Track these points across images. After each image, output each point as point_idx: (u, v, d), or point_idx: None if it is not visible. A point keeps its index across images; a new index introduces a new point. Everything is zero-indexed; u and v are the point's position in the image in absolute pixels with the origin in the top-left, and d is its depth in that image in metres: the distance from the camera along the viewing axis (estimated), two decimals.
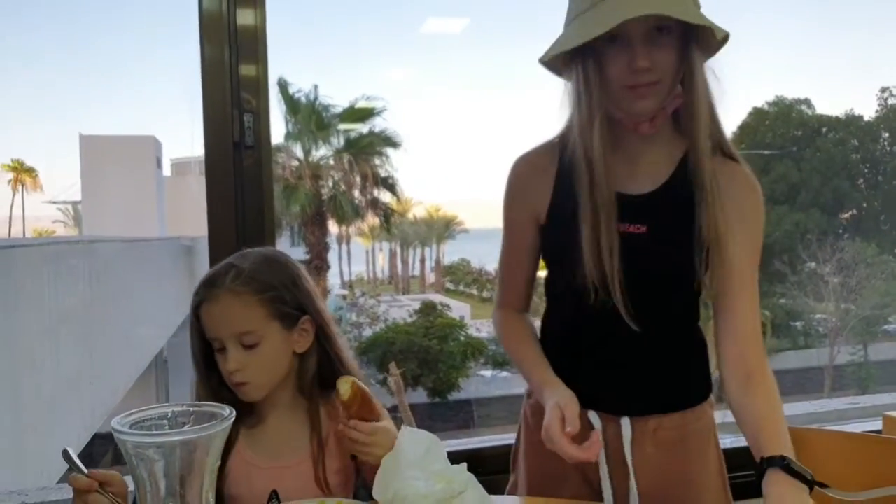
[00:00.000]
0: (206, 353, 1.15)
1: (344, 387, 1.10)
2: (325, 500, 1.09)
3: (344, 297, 20.97)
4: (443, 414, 15.12)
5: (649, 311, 1.08)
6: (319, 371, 1.20)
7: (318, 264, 14.77)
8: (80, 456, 0.91)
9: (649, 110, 1.05)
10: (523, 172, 1.19)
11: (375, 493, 1.04)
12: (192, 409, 0.76)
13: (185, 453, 0.70)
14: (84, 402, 5.87)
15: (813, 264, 15.69)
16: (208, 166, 1.58)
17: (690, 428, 1.14)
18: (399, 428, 1.11)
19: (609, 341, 1.13)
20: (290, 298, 1.17)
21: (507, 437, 1.57)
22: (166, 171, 17.07)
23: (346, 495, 1.18)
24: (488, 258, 29.29)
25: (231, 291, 1.12)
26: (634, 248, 1.07)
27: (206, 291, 1.13)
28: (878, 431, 1.56)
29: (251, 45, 1.60)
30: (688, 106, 1.04)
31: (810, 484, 0.95)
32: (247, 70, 1.60)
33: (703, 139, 1.04)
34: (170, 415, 0.76)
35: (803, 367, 15.66)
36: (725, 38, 1.01)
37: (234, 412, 0.75)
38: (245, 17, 1.59)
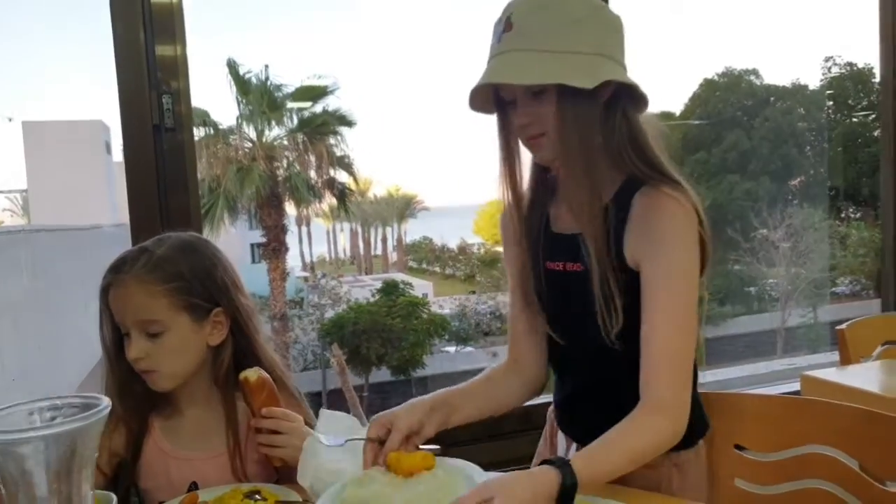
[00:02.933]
0: (116, 340, 1.13)
1: (252, 373, 1.11)
2: (241, 486, 1.08)
3: (305, 279, 20.79)
4: (407, 391, 15.18)
5: (591, 345, 1.11)
6: (236, 363, 1.18)
7: (276, 247, 14.59)
8: None
9: (546, 160, 1.12)
10: (503, 217, 1.25)
11: (298, 478, 1.04)
12: (62, 401, 0.74)
13: (60, 448, 0.68)
14: (33, 395, 5.72)
15: (764, 231, 16.09)
16: (126, 150, 1.54)
17: (637, 474, 1.05)
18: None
19: (568, 371, 1.23)
20: (200, 290, 1.13)
21: None
22: (117, 156, 16.58)
23: (270, 482, 1.18)
24: (450, 235, 29.33)
25: (136, 278, 1.09)
26: (567, 286, 1.12)
27: (113, 276, 1.10)
28: (798, 392, 1.62)
29: (167, 24, 1.55)
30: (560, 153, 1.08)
31: (568, 490, 0.91)
32: (164, 50, 1.55)
33: (581, 184, 1.07)
34: (38, 410, 0.73)
35: (757, 330, 16.13)
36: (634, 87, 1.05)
37: (110, 403, 0.73)
38: None
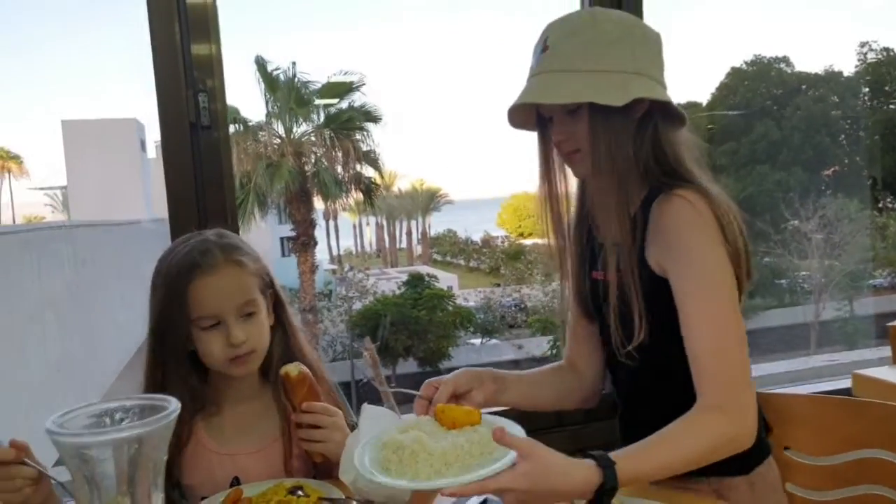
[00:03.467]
0: (184, 336, 1.12)
1: (293, 368, 1.11)
2: (284, 481, 1.08)
3: (333, 272, 20.95)
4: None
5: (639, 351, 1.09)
6: (283, 355, 1.19)
7: (305, 241, 14.70)
8: None
9: (583, 174, 1.16)
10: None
11: (340, 474, 1.03)
12: (131, 403, 0.73)
13: (131, 450, 0.68)
14: (75, 385, 5.85)
15: (796, 222, 15.77)
16: (165, 149, 1.54)
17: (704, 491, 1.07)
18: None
19: (616, 381, 1.24)
20: (264, 271, 1.17)
21: None
22: (151, 152, 16.82)
23: (309, 476, 1.17)
24: (474, 228, 29.31)
25: (229, 262, 1.11)
26: (606, 295, 1.12)
27: (200, 267, 1.09)
28: (849, 390, 1.56)
29: (202, 22, 1.54)
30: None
31: (607, 492, 0.89)
32: (199, 48, 1.54)
33: (609, 197, 1.08)
34: (108, 411, 0.73)
35: (789, 324, 15.84)
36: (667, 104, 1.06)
37: (180, 404, 0.73)
38: None
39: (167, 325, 1.11)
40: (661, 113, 1.09)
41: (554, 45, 1.08)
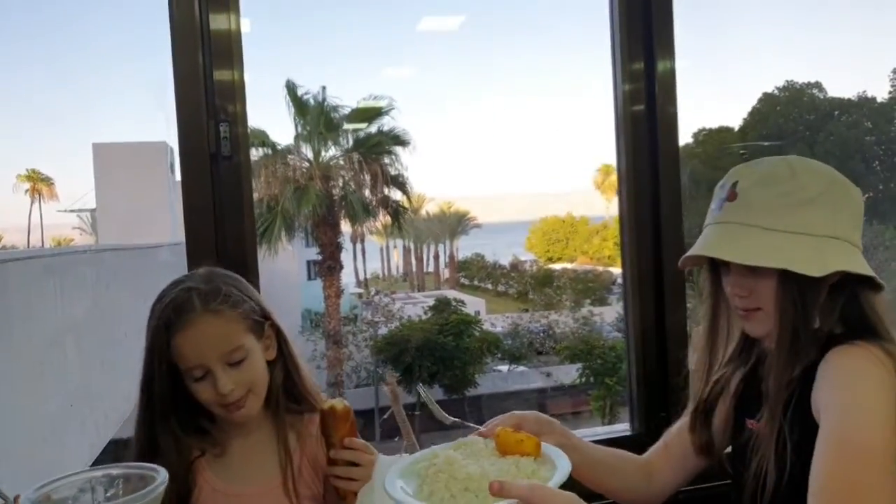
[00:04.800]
0: (172, 385, 1.09)
1: (339, 402, 1.08)
2: None
3: (359, 296, 20.98)
4: (459, 409, 15.09)
5: None
6: (284, 387, 1.16)
7: (332, 264, 14.75)
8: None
9: (757, 333, 1.07)
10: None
11: None
12: (117, 472, 0.69)
13: None
14: (96, 410, 5.87)
15: None
16: (184, 179, 1.52)
17: None
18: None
19: None
20: (255, 307, 1.14)
21: None
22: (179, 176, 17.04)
23: None
24: (502, 252, 29.21)
25: (210, 312, 1.07)
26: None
27: (180, 317, 1.06)
28: None
29: (226, 49, 1.53)
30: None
31: None
32: (222, 75, 1.53)
33: (779, 359, 1.01)
34: (93, 481, 0.68)
35: None
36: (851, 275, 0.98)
37: (167, 475, 0.69)
38: (218, 22, 1.52)
39: (152, 376, 1.09)
40: (858, 278, 0.99)
41: (744, 192, 1.00)
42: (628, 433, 1.85)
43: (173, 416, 1.10)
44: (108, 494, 0.66)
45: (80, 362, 5.66)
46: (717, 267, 1.08)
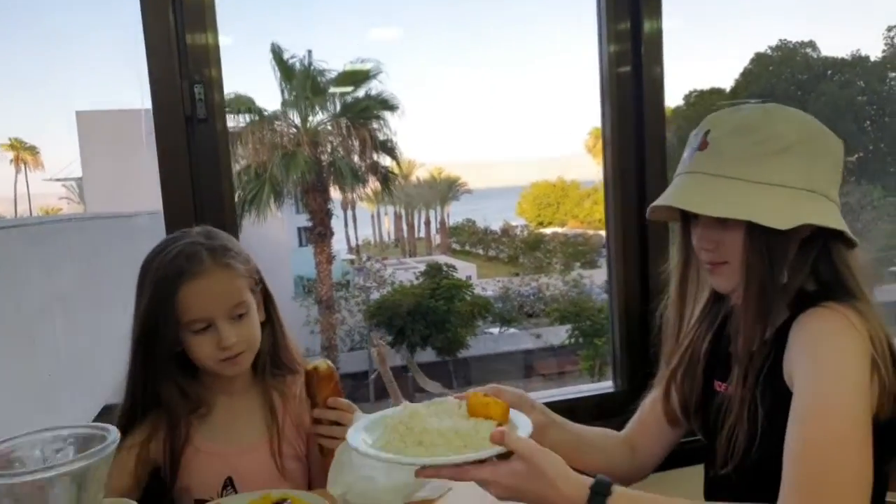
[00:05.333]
0: (173, 338, 1.10)
1: (322, 363, 1.10)
2: (271, 492, 1.05)
3: (351, 262, 20.99)
4: (452, 371, 15.27)
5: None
6: (271, 349, 1.19)
7: (322, 231, 14.71)
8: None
9: (723, 288, 1.04)
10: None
11: (329, 486, 0.99)
12: (67, 432, 0.69)
13: (66, 487, 0.63)
14: (92, 376, 5.89)
15: None
16: (159, 142, 1.51)
17: None
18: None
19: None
20: (253, 269, 1.17)
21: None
22: None
23: (303, 482, 1.15)
24: (493, 217, 29.17)
25: (219, 266, 1.10)
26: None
27: (190, 270, 1.08)
28: None
29: (198, 11, 1.50)
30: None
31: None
32: (195, 38, 1.50)
33: (746, 317, 0.99)
34: (42, 442, 0.68)
35: None
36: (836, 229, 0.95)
37: (118, 437, 0.69)
38: None
39: (155, 329, 1.09)
40: (830, 233, 0.96)
41: (716, 142, 0.97)
42: (612, 390, 1.88)
43: (174, 365, 1.11)
44: (59, 455, 0.66)
45: (69, 330, 5.66)
46: (688, 218, 1.05)
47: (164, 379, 1.11)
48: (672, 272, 1.12)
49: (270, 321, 1.19)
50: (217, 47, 1.54)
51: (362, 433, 0.88)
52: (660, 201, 1.01)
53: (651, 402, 1.23)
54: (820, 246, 0.98)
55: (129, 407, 1.10)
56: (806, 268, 0.98)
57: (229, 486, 1.12)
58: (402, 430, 0.84)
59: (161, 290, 1.08)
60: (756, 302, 0.97)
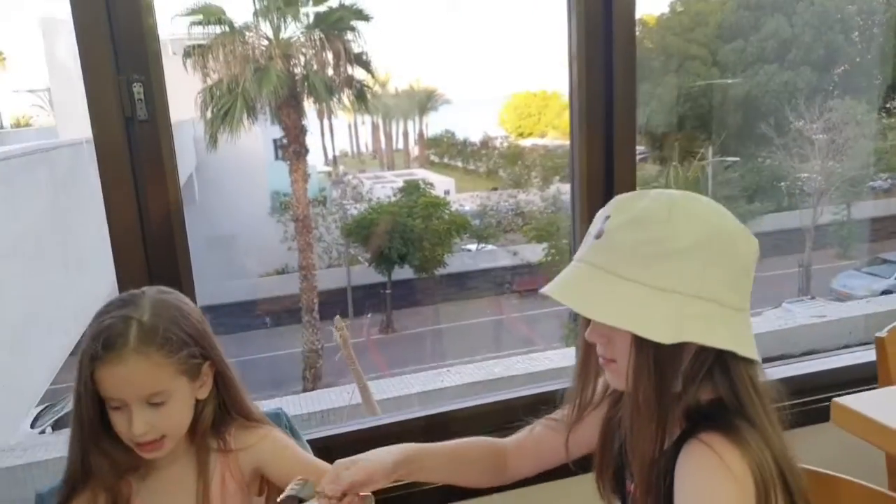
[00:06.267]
0: (99, 412, 1.05)
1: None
2: None
3: (328, 174, 20.75)
4: (427, 288, 15.47)
5: None
6: (214, 421, 1.13)
7: (297, 148, 14.40)
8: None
9: (615, 385, 0.98)
10: None
11: None
12: None
13: None
14: (63, 312, 5.85)
15: (800, 123, 15.39)
16: (98, 147, 1.40)
17: None
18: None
19: None
20: (195, 349, 1.07)
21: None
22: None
23: None
24: (474, 129, 28.73)
25: (137, 352, 1.01)
26: None
27: (107, 353, 1.00)
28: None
29: None
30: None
31: None
32: (128, 28, 1.37)
33: (633, 430, 0.92)
34: None
35: (784, 228, 15.81)
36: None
37: None
38: None
39: (79, 397, 1.04)
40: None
41: (610, 233, 0.88)
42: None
43: (104, 434, 1.06)
44: None
45: (41, 267, 5.57)
46: None
47: (94, 445, 1.06)
48: (573, 380, 1.07)
49: (218, 395, 1.13)
50: (156, 36, 1.41)
51: None
52: (547, 290, 0.93)
53: (543, 432, 1.17)
54: (714, 356, 0.90)
55: (70, 473, 1.06)
56: (699, 378, 0.90)
57: None
58: None
59: (82, 362, 1.02)
60: (645, 409, 0.89)
